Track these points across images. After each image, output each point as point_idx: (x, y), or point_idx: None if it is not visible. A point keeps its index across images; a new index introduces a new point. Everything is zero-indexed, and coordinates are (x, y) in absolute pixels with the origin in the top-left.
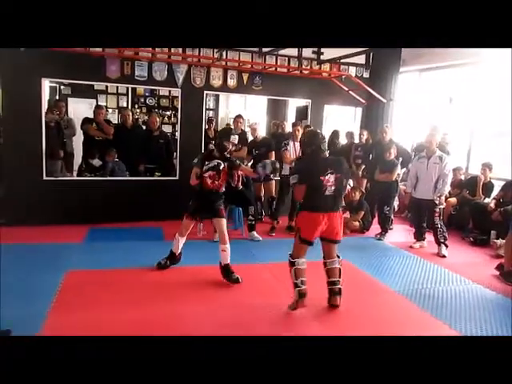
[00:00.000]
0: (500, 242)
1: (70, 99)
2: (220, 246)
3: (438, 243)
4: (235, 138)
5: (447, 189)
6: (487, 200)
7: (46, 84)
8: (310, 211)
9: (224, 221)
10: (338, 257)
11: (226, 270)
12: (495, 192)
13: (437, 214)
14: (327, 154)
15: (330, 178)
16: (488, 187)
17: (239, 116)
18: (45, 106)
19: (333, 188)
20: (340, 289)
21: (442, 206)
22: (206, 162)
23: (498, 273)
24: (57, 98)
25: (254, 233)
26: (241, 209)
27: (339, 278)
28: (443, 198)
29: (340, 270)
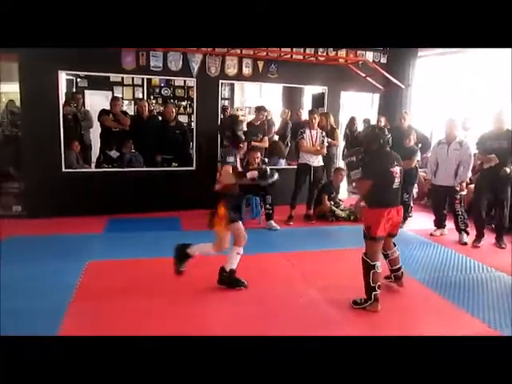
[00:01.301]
0: None
1: (86, 91)
2: (236, 248)
3: (459, 230)
4: (243, 128)
5: (469, 175)
6: None
7: (63, 77)
8: (381, 207)
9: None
10: (395, 245)
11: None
12: None
13: (457, 201)
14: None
15: (396, 170)
16: None
17: (262, 108)
18: (62, 99)
19: (398, 180)
20: (402, 272)
21: (463, 193)
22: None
23: None
24: (74, 90)
25: (272, 222)
26: (258, 198)
27: (400, 263)
28: (464, 184)
29: (399, 255)
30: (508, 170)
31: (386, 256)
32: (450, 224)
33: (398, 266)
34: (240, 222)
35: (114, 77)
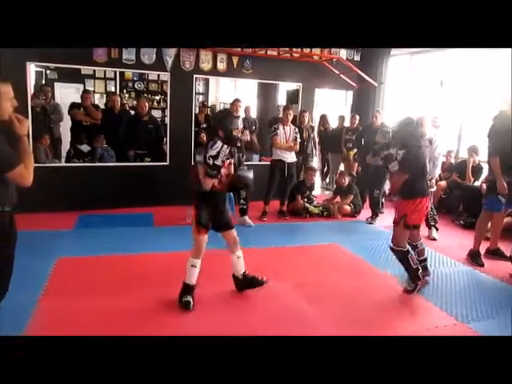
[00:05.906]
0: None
1: (56, 84)
2: (235, 254)
3: (429, 226)
4: (240, 123)
5: (437, 172)
6: (477, 183)
7: (32, 68)
8: (422, 196)
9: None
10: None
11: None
12: (484, 175)
13: None
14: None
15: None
16: (476, 170)
17: (237, 100)
18: (30, 91)
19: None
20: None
21: (432, 190)
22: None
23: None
24: (43, 82)
25: (246, 218)
26: (232, 194)
27: (425, 254)
28: (433, 181)
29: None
30: None
31: (414, 247)
32: None
33: (424, 257)
34: (205, 235)
35: (86, 69)
